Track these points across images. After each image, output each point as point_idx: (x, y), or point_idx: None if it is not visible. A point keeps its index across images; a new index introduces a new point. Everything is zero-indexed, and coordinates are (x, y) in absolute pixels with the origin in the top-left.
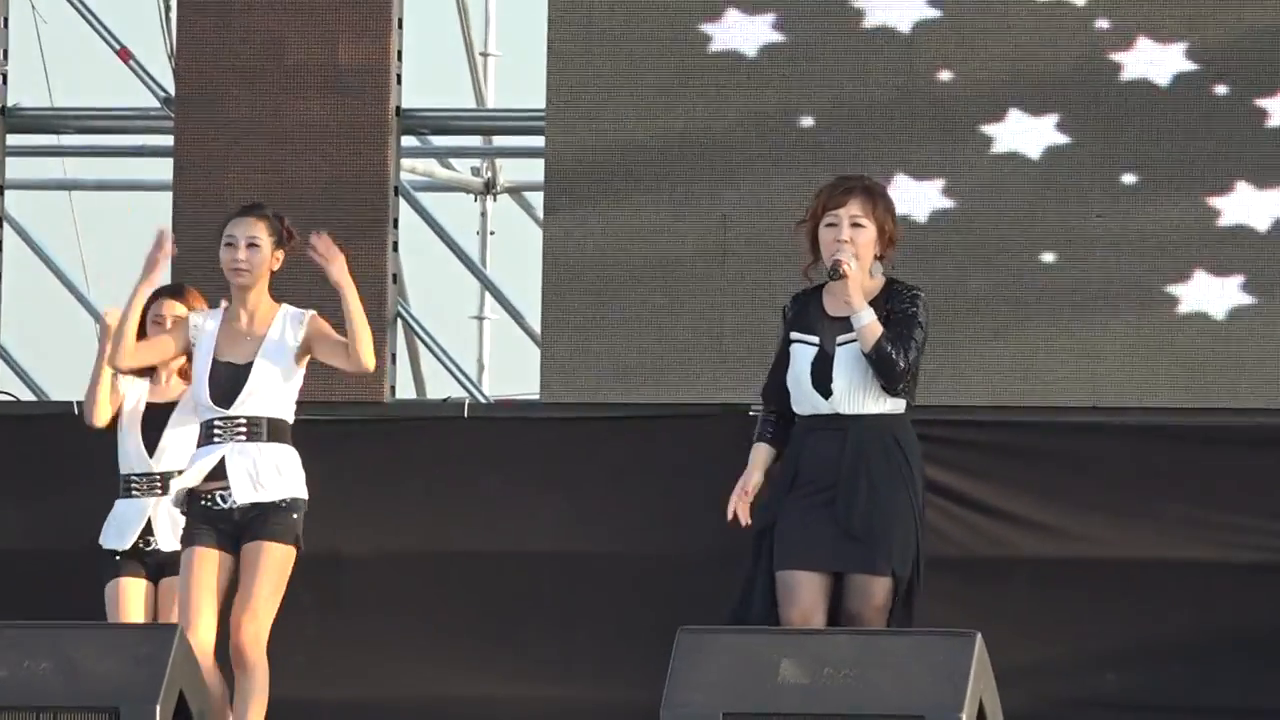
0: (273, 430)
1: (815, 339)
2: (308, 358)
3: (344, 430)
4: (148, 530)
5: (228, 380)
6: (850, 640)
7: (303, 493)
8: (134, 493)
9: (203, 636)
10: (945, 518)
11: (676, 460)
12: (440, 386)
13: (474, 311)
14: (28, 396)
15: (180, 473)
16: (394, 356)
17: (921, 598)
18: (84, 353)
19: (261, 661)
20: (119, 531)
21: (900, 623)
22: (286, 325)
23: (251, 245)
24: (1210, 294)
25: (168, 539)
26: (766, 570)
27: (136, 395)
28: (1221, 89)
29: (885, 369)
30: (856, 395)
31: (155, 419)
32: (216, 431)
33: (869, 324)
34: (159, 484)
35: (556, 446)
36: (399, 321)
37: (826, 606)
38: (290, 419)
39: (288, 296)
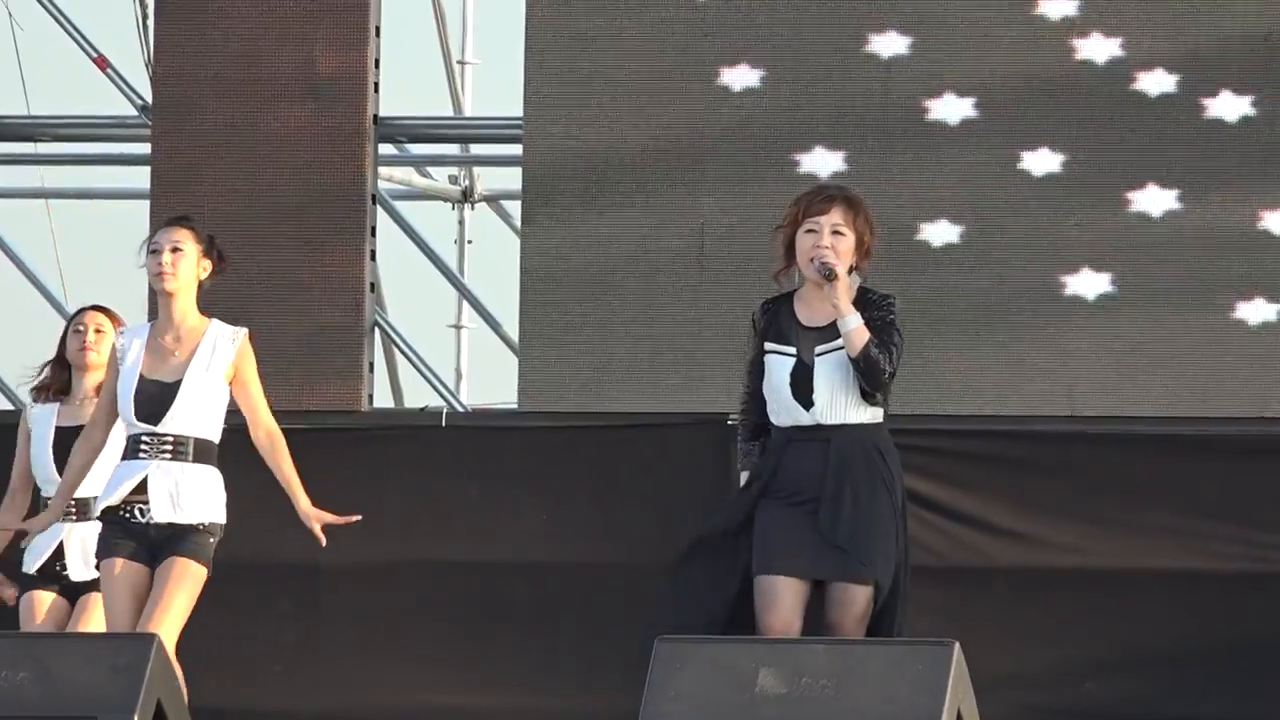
0: (198, 451)
1: (792, 350)
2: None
3: (322, 439)
4: (60, 556)
5: (154, 398)
6: (828, 650)
7: (221, 518)
8: None
9: None
10: (924, 527)
11: (655, 468)
12: (418, 395)
13: (452, 320)
14: (4, 405)
15: (96, 499)
16: (372, 365)
17: (911, 606)
18: None
19: (175, 665)
20: (32, 554)
21: (895, 632)
22: (217, 343)
23: (175, 250)
24: (1187, 303)
25: (78, 568)
26: (733, 571)
27: (47, 419)
28: (1208, 98)
29: (872, 374)
30: (838, 406)
31: (67, 441)
32: (143, 447)
33: (856, 328)
34: (73, 509)
35: (535, 455)
36: (376, 330)
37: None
38: (217, 439)
39: (220, 309)
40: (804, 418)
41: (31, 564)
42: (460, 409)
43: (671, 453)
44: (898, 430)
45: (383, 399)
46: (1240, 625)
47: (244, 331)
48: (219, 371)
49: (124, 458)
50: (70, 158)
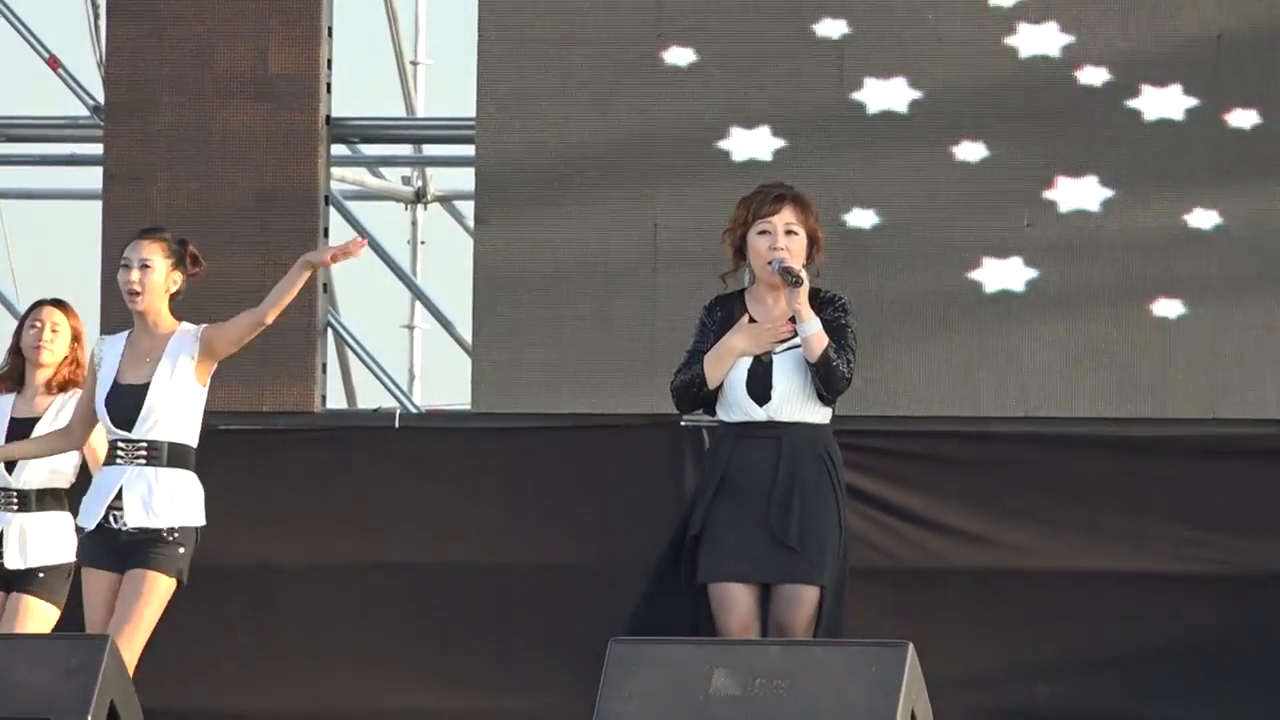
0: (173, 455)
1: None
2: (212, 369)
3: (275, 440)
4: None
5: (126, 402)
6: (782, 651)
7: (195, 521)
8: None
9: None
10: (877, 528)
11: (608, 470)
12: (371, 396)
13: (405, 321)
14: None
15: (40, 491)
16: (325, 366)
17: (849, 606)
18: None
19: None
20: None
21: (832, 632)
22: (183, 344)
23: (144, 267)
24: (1141, 305)
25: (14, 557)
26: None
27: (3, 409)
28: (1155, 96)
29: (831, 378)
30: (794, 403)
31: (20, 433)
32: (119, 453)
33: (816, 334)
34: (15, 500)
35: (488, 457)
36: (329, 331)
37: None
38: (193, 443)
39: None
40: (757, 413)
41: None
42: (413, 410)
43: (625, 454)
44: (850, 431)
45: (336, 400)
46: (1192, 626)
47: (204, 325)
48: (186, 372)
49: (105, 463)
50: (22, 158)
